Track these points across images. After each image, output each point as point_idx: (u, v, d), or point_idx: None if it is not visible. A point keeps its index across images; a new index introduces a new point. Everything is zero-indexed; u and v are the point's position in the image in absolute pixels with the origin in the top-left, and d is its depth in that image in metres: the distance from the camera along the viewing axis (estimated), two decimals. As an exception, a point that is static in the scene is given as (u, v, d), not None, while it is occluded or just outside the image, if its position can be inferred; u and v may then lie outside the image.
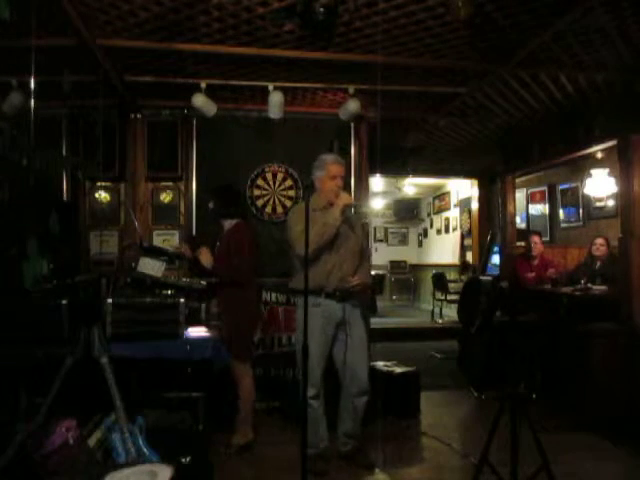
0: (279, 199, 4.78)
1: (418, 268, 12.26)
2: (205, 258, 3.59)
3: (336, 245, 3.16)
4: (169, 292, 3.28)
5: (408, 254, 13.04)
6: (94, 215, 4.64)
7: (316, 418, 3.15)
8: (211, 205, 3.75)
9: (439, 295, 9.34)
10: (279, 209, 4.78)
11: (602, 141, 4.63)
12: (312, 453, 3.11)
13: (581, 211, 6.39)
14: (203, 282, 3.45)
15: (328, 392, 3.28)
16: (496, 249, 6.91)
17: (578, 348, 4.14)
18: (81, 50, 3.34)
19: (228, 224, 3.64)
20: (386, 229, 13.38)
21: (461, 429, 4.26)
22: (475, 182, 8.59)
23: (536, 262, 5.66)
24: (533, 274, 5.56)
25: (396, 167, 7.10)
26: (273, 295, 4.62)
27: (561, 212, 6.82)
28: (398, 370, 4.34)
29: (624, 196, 4.15)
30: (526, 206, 7.45)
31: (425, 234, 12.64)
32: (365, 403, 3.26)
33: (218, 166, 4.67)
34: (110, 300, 2.98)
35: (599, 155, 5.54)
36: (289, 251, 3.34)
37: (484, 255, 7.40)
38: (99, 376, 2.40)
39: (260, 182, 4.77)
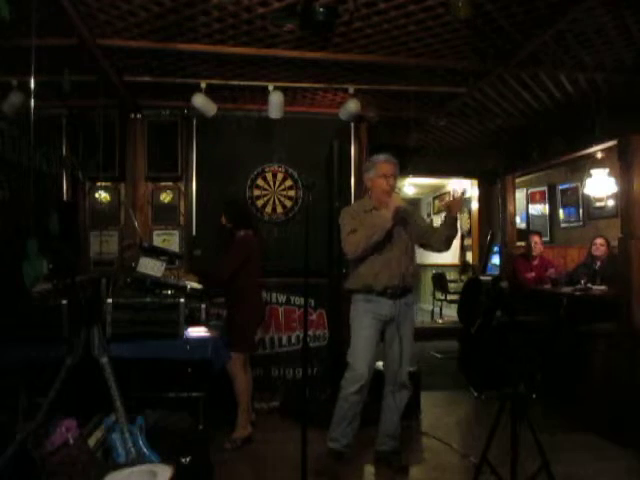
0: (279, 199, 4.78)
1: (418, 268, 12.23)
2: (191, 279, 3.68)
3: (387, 246, 3.14)
4: (169, 292, 3.28)
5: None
6: (94, 215, 4.64)
7: (350, 414, 3.13)
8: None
9: (439, 295, 9.33)
10: (279, 209, 4.78)
11: (602, 141, 4.63)
12: (332, 447, 3.15)
13: (581, 211, 6.38)
14: (199, 285, 3.50)
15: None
16: (496, 249, 6.91)
17: (578, 348, 4.14)
18: (81, 50, 3.34)
19: (238, 234, 3.72)
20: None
21: (461, 429, 4.26)
22: (475, 182, 8.59)
23: (536, 262, 5.65)
24: (533, 274, 5.55)
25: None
26: (273, 295, 4.62)
27: (561, 212, 6.81)
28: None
29: (624, 196, 4.15)
30: (526, 206, 7.45)
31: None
32: (406, 400, 3.28)
33: (218, 166, 4.68)
34: (110, 300, 2.98)
35: (599, 155, 5.53)
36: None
37: (484, 255, 7.39)
38: (99, 376, 2.40)
39: (260, 182, 4.77)
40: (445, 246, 3.26)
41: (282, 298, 4.64)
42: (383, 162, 3.20)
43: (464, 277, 8.54)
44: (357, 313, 3.19)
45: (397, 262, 3.15)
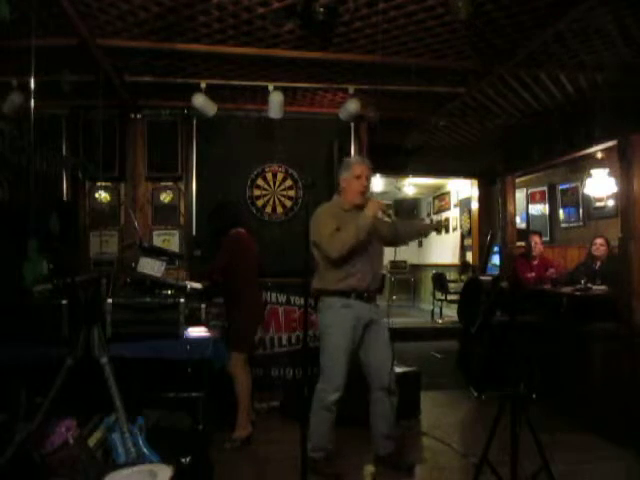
0: (279, 199, 4.78)
1: (418, 268, 12.24)
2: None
3: (364, 246, 3.08)
4: (169, 292, 3.28)
5: (408, 254, 13.03)
6: (94, 215, 4.64)
7: (331, 422, 3.10)
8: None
9: (439, 295, 9.33)
10: (279, 209, 4.78)
11: (602, 141, 4.63)
12: (319, 456, 3.10)
13: (581, 211, 6.38)
14: (199, 285, 3.51)
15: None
16: (496, 249, 6.91)
17: (578, 348, 4.14)
18: (81, 50, 3.34)
19: (228, 233, 3.72)
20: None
21: (461, 429, 4.26)
22: (475, 182, 8.59)
23: (536, 262, 5.65)
24: (533, 274, 5.55)
25: (396, 167, 7.10)
26: (273, 295, 4.61)
27: (561, 212, 6.81)
28: (398, 370, 4.30)
29: (624, 196, 4.14)
30: (526, 206, 7.45)
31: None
32: (396, 402, 3.21)
33: (218, 166, 4.68)
34: (110, 300, 2.98)
35: (599, 155, 5.53)
36: (314, 252, 3.11)
37: (484, 255, 7.39)
38: (99, 376, 2.40)
39: (260, 182, 4.77)
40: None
41: (282, 298, 4.64)
42: (357, 164, 3.19)
43: (464, 277, 8.54)
44: (335, 320, 3.06)
45: (371, 263, 3.14)
